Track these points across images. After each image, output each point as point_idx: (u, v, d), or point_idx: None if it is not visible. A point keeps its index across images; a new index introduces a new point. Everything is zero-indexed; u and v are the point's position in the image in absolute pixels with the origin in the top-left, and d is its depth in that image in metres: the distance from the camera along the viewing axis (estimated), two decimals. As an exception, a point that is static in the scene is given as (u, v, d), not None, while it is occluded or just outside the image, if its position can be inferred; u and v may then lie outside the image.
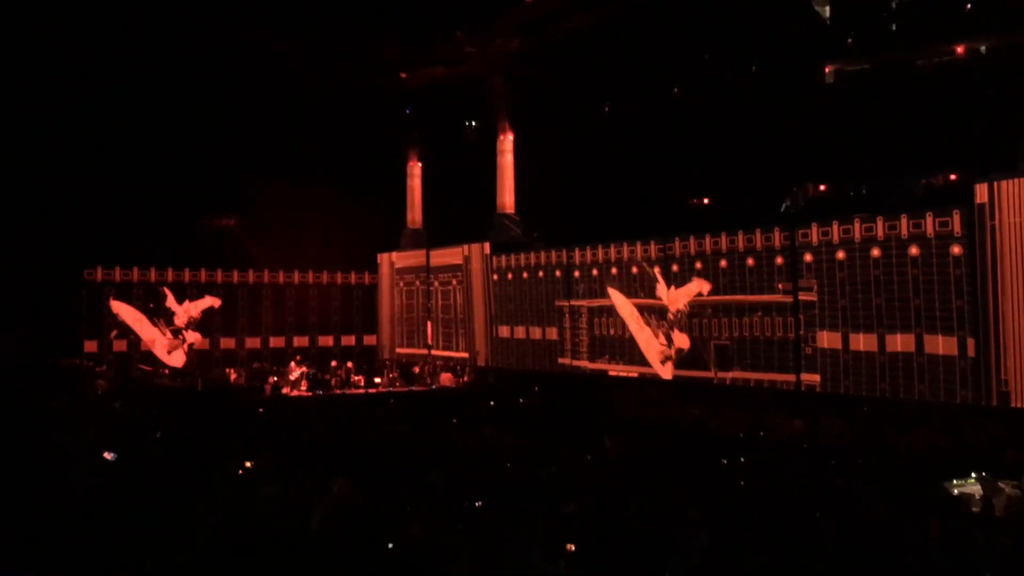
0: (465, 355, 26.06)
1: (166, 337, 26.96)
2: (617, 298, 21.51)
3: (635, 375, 20.93)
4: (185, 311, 27.62)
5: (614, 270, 21.62)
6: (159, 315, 27.11)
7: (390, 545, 5.87)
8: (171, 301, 27.38)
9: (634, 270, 21.13)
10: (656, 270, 20.36)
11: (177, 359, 26.93)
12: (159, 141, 25.49)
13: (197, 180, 26.51)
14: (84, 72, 23.29)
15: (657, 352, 20.65)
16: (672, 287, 19.88)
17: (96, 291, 26.45)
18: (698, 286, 19.31)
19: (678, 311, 19.79)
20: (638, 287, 20.90)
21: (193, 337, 27.64)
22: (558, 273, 22.97)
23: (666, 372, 20.34)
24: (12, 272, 22.88)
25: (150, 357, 26.38)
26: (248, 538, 6.38)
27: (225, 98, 25.56)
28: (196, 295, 27.92)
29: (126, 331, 26.43)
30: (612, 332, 21.47)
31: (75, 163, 24.42)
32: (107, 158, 24.95)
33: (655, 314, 20.44)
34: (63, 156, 24.23)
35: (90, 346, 26.10)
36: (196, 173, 26.37)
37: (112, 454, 8.75)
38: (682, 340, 19.74)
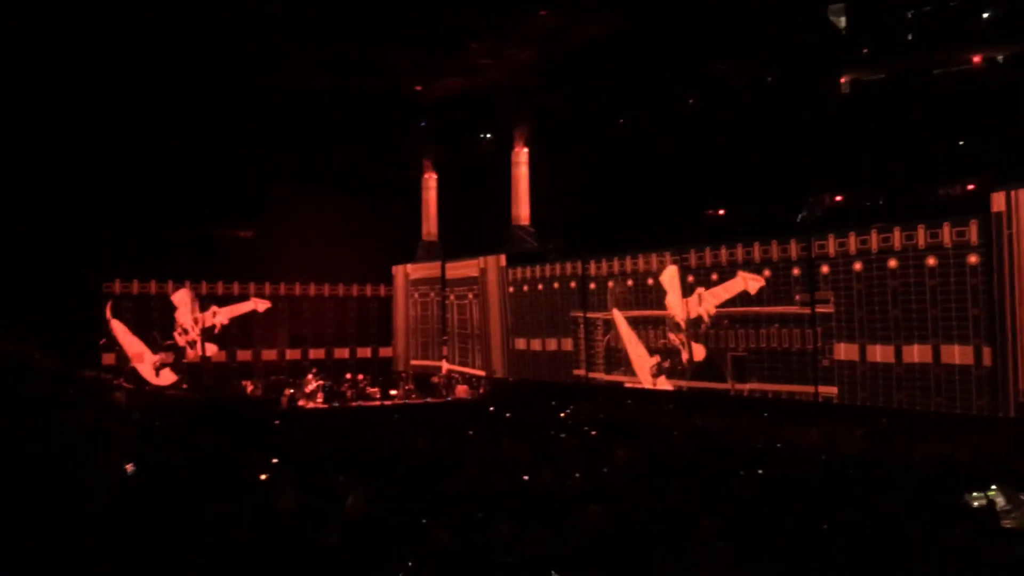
0: (482, 373, 26.06)
1: (157, 356, 26.96)
2: (619, 318, 21.59)
3: (650, 386, 20.91)
4: (211, 317, 27.80)
5: (611, 283, 21.76)
6: (167, 327, 27.21)
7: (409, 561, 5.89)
8: (186, 310, 27.52)
9: (629, 283, 21.24)
10: (671, 276, 20.35)
11: (166, 377, 26.98)
12: (176, 153, 25.69)
13: (214, 192, 26.70)
14: (103, 84, 23.50)
15: (650, 368, 20.79)
16: (699, 290, 19.68)
17: (116, 304, 26.68)
18: (743, 283, 18.70)
19: (702, 315, 19.59)
20: (646, 303, 20.90)
21: (211, 349, 27.80)
22: (573, 284, 22.99)
23: (661, 385, 20.50)
24: (33, 285, 23.09)
25: (135, 375, 26.41)
26: (266, 550, 6.40)
27: (242, 110, 25.73)
28: (220, 305, 28.14)
29: (112, 344, 26.53)
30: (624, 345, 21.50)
31: (93, 176, 24.63)
32: (125, 171, 25.16)
33: (658, 327, 20.44)
34: (81, 170, 24.45)
35: (108, 358, 26.30)
36: (213, 185, 26.56)
37: (132, 466, 8.80)
38: (698, 351, 19.70)
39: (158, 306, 27.30)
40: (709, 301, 19.37)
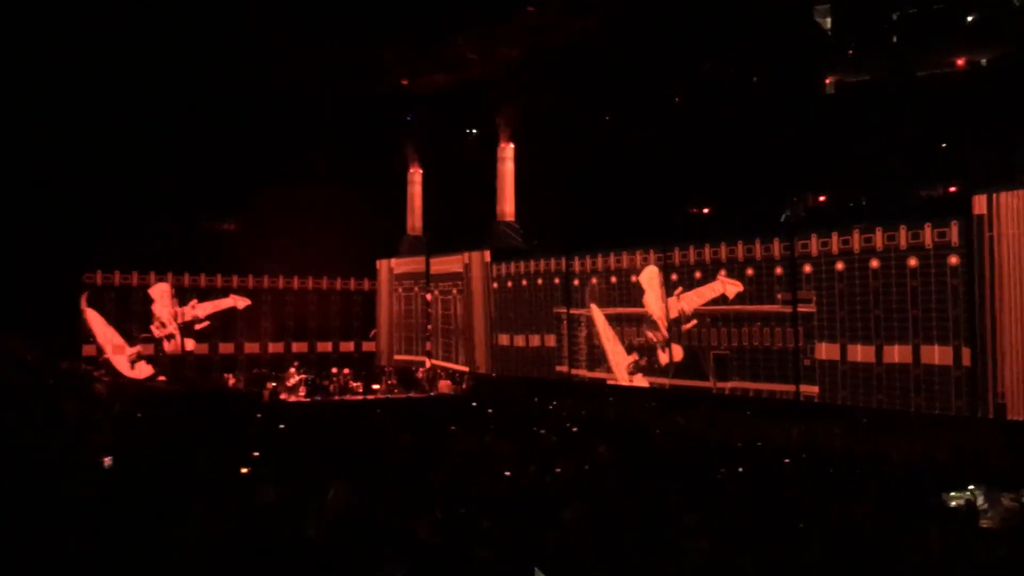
0: (465, 368, 26.05)
1: (133, 348, 26.82)
2: (596, 314, 21.66)
3: (627, 383, 20.98)
4: (190, 311, 27.64)
5: (593, 280, 21.80)
6: (145, 319, 27.06)
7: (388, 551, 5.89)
8: (163, 303, 27.33)
9: (613, 279, 21.28)
10: (650, 276, 20.40)
11: (141, 371, 26.81)
12: (160, 145, 25.52)
13: (198, 184, 26.56)
14: (87, 76, 23.34)
15: (627, 365, 20.84)
16: (678, 289, 19.72)
17: (95, 294, 26.49)
18: (721, 287, 18.74)
19: (682, 313, 19.61)
20: (625, 302, 20.96)
21: (189, 344, 27.61)
22: (557, 280, 23.00)
23: (639, 382, 20.58)
24: (13, 275, 22.91)
25: (109, 368, 26.21)
26: (247, 543, 6.38)
27: (226, 103, 25.61)
28: (201, 299, 28.00)
29: (87, 335, 26.37)
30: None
31: (76, 167, 24.45)
32: (108, 162, 24.98)
33: (639, 324, 20.49)
34: (64, 160, 24.27)
35: (88, 350, 26.12)
36: (197, 177, 26.41)
37: (110, 459, 8.74)
38: (677, 351, 19.74)
39: (139, 297, 27.12)
40: (688, 303, 19.44)
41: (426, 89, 27.12)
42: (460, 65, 25.39)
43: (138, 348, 26.85)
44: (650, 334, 20.38)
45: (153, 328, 27.18)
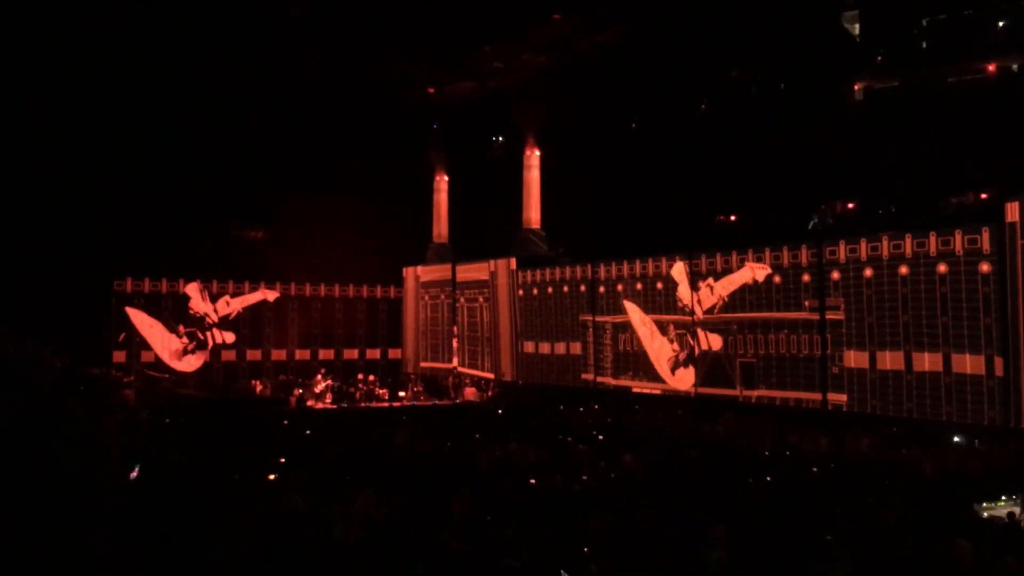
0: (491, 375, 26.06)
1: (181, 341, 27.34)
2: (632, 310, 21.55)
3: (658, 392, 20.87)
4: (224, 307, 28.08)
5: (639, 285, 21.68)
6: (181, 319, 27.51)
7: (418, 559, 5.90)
8: (197, 300, 27.81)
9: (659, 285, 21.17)
10: (679, 271, 20.33)
11: (188, 364, 27.39)
12: (188, 155, 25.77)
13: (226, 193, 26.80)
14: (116, 87, 23.61)
15: (668, 359, 20.69)
16: (709, 280, 19.61)
17: (125, 302, 26.81)
18: (750, 272, 18.74)
19: (719, 300, 19.47)
20: (658, 300, 20.88)
21: (229, 337, 28.13)
22: (583, 288, 22.97)
23: (680, 383, 20.39)
24: (44, 282, 23.21)
25: (159, 363, 26.80)
26: (274, 550, 6.41)
27: (254, 112, 25.81)
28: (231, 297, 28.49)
29: (132, 336, 26.84)
30: (634, 348, 21.48)
31: (106, 176, 24.74)
32: (137, 171, 25.26)
33: (674, 324, 20.43)
34: (95, 170, 24.56)
35: (118, 356, 26.40)
36: (225, 186, 26.65)
37: (137, 471, 8.77)
38: (714, 340, 19.58)
39: (168, 304, 27.45)
40: (722, 288, 19.30)
41: (452, 97, 27.18)
42: (486, 73, 25.44)
43: (184, 341, 27.41)
44: (681, 331, 20.31)
45: (196, 320, 27.71)
